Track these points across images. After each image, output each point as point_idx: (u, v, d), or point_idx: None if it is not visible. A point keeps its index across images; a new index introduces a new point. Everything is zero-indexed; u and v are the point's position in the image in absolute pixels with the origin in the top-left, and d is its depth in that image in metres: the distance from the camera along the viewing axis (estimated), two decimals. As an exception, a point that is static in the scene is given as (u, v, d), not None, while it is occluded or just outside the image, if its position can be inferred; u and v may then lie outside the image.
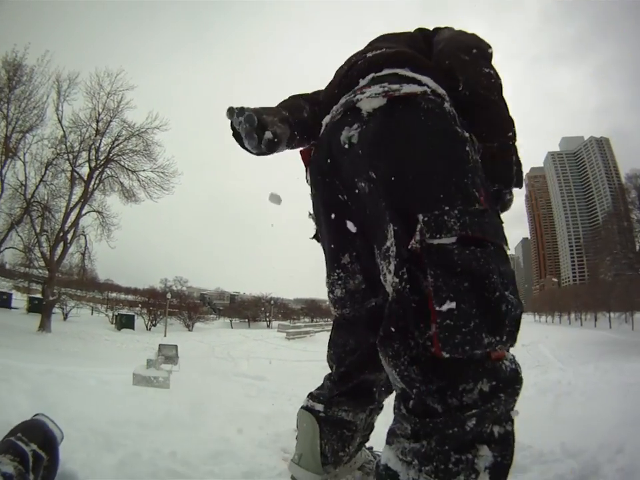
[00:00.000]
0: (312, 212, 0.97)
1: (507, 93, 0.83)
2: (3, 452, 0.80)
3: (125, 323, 26.02)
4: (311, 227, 1.04)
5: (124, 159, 17.99)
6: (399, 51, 0.86)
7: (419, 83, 0.75)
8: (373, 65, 0.83)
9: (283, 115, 0.86)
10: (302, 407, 1.04)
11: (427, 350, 0.59)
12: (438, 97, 0.74)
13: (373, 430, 1.09)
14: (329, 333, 1.07)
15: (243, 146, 0.82)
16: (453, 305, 0.57)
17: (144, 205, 18.60)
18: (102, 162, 17.75)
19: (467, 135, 0.72)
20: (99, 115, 17.45)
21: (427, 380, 0.59)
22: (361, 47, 1.02)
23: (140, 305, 31.11)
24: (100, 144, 17.72)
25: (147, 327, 28.07)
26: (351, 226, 0.82)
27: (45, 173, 16.79)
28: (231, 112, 0.79)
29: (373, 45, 0.97)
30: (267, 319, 41.14)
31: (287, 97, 1.03)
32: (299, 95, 1.05)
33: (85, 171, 17.68)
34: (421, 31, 1.01)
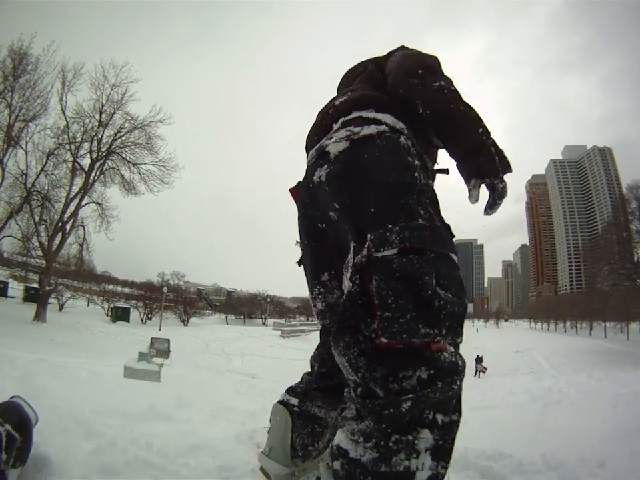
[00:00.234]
0: (298, 240, 1.07)
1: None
2: None
3: (120, 315, 26.05)
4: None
5: (126, 151, 18.02)
6: (363, 94, 0.98)
7: (378, 123, 0.87)
8: (340, 112, 0.96)
9: None
10: (277, 401, 1.09)
11: (372, 342, 0.67)
12: (395, 132, 0.86)
13: None
14: None
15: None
16: (391, 300, 0.67)
17: (144, 198, 18.66)
18: (103, 153, 17.76)
19: (417, 163, 0.83)
20: (103, 106, 17.46)
21: (372, 368, 0.67)
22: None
23: (136, 298, 31.13)
24: (102, 135, 17.77)
25: (142, 320, 28.10)
26: (329, 248, 0.93)
27: (46, 163, 16.82)
28: None
29: (340, 90, 1.14)
30: (263, 317, 41.18)
31: None
32: None
33: (86, 162, 17.73)
34: (375, 61, 1.11)
